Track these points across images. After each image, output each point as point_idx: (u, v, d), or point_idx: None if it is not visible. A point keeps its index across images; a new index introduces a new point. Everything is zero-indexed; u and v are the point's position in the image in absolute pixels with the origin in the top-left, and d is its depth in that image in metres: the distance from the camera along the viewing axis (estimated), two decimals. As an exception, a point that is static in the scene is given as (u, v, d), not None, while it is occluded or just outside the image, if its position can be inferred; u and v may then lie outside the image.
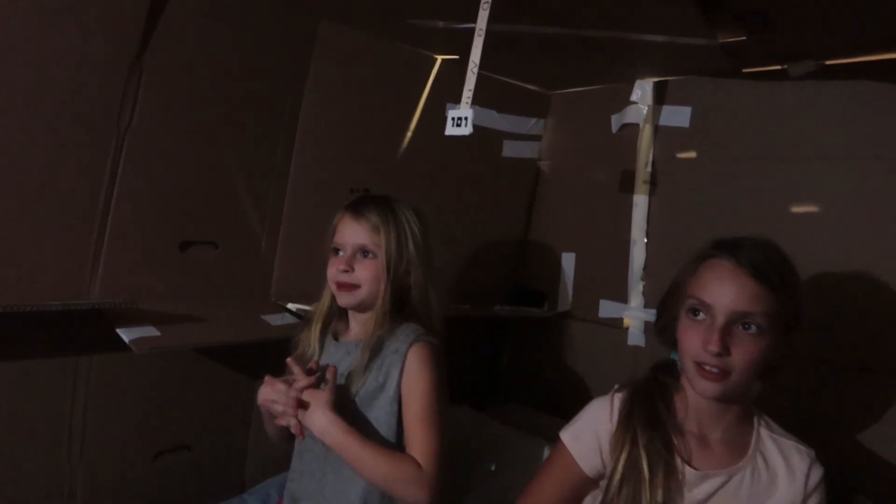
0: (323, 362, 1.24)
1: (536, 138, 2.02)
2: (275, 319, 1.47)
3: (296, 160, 1.55)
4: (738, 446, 1.00)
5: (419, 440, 1.13)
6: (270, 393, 1.14)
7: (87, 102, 1.20)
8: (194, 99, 1.35)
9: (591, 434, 1.03)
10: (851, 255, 1.36)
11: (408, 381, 1.17)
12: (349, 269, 1.21)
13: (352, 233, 1.23)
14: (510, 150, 1.96)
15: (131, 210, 1.31)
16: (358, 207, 1.25)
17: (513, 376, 2.02)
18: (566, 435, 1.06)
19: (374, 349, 1.19)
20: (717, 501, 0.97)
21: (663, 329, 1.06)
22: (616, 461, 0.98)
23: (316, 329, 1.29)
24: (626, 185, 1.78)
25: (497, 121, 1.90)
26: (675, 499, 0.96)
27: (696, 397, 0.99)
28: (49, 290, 1.22)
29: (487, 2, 0.99)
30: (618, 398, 1.04)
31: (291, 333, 1.46)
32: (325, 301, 1.30)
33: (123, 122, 1.26)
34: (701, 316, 0.95)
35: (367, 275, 1.21)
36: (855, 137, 1.40)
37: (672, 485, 0.95)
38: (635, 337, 1.73)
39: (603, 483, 1.03)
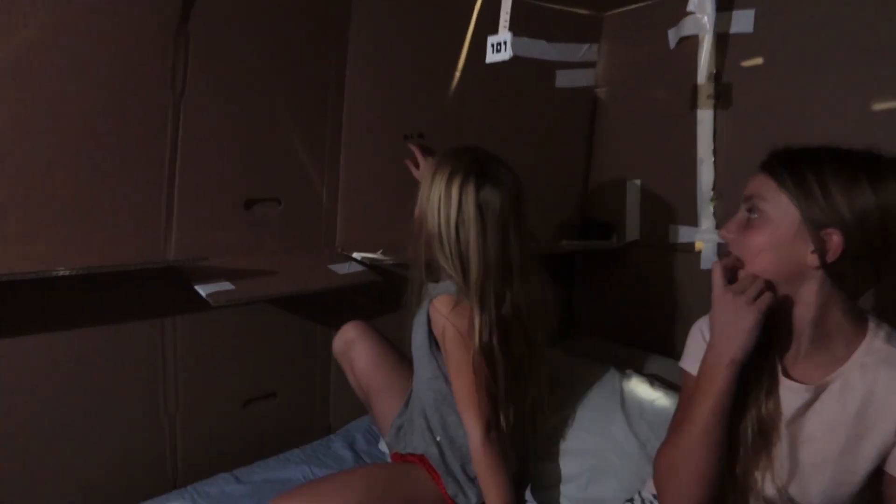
0: None
1: (591, 65, 1.94)
2: (342, 269, 1.51)
3: (347, 110, 1.56)
4: (835, 359, 0.90)
5: (458, 396, 1.16)
6: None
7: (140, 71, 1.25)
8: (242, 59, 1.38)
9: (698, 349, 0.97)
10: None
11: (438, 337, 1.20)
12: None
13: None
14: (564, 79, 1.90)
15: (196, 172, 1.36)
16: None
17: (585, 310, 2.00)
18: (685, 364, 1.03)
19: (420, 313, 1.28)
20: (809, 418, 0.91)
21: None
22: None
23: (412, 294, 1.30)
24: (689, 101, 1.69)
25: (548, 51, 1.83)
26: (774, 414, 0.92)
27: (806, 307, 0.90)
28: (129, 253, 1.30)
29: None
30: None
31: (359, 280, 1.51)
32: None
33: (178, 86, 1.30)
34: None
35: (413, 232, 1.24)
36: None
37: (772, 398, 0.92)
38: (709, 260, 1.67)
39: None
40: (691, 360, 1.00)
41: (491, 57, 0.95)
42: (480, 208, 1.14)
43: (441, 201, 1.14)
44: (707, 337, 0.93)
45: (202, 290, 1.28)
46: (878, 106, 1.36)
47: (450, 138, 1.70)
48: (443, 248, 1.15)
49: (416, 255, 1.21)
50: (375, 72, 1.58)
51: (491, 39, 0.95)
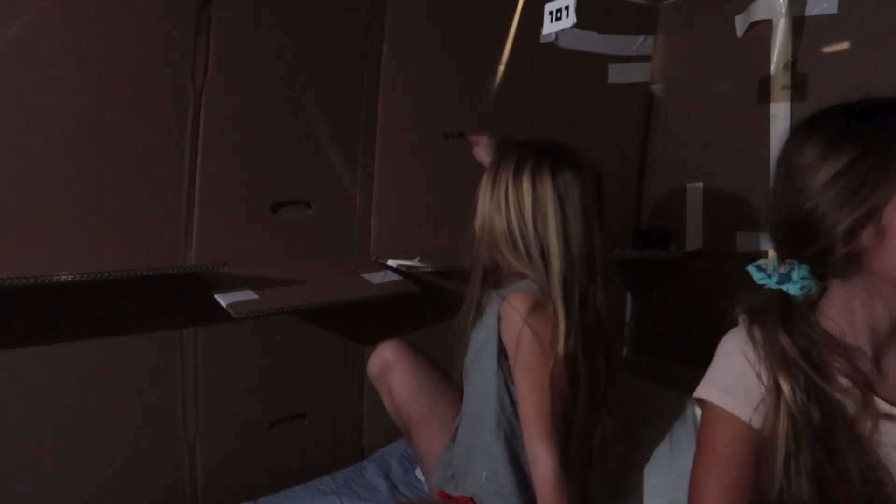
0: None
1: (646, 58, 1.79)
2: (376, 278, 1.37)
3: (382, 106, 1.44)
4: None
5: (528, 407, 0.98)
6: None
7: (157, 59, 1.14)
8: (269, 49, 1.27)
9: (743, 372, 0.76)
10: None
11: (507, 343, 1.02)
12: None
13: None
14: (617, 74, 1.75)
15: (218, 172, 1.25)
16: None
17: (640, 325, 1.82)
18: (708, 391, 0.78)
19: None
20: None
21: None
22: (778, 412, 0.73)
23: (471, 307, 1.15)
24: (761, 94, 1.52)
25: (600, 43, 1.69)
26: (882, 443, 0.73)
27: (871, 313, 0.75)
28: (144, 259, 1.18)
29: None
30: (757, 329, 0.78)
31: (395, 291, 1.37)
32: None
33: (199, 76, 1.19)
34: None
35: (474, 240, 1.12)
36: None
37: (871, 426, 0.73)
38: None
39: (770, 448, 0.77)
40: (725, 392, 0.76)
41: (549, 27, 0.82)
42: (560, 195, 1.01)
43: (509, 195, 1.01)
44: (758, 370, 0.74)
45: (223, 300, 1.16)
46: None
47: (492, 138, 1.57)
48: (517, 248, 1.01)
49: (476, 267, 1.07)
50: (413, 65, 1.46)
51: (549, 6, 0.80)
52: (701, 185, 1.70)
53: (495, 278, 1.10)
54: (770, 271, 0.80)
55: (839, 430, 0.73)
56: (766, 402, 0.75)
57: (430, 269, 1.39)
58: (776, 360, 0.74)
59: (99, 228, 1.13)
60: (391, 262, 1.41)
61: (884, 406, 0.74)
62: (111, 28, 1.08)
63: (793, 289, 0.77)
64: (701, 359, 1.61)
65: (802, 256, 0.76)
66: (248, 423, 1.40)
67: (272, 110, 1.30)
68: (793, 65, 1.46)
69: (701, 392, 0.79)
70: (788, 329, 0.75)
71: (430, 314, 1.47)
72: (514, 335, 0.99)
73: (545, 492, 0.92)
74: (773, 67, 1.49)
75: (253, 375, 1.39)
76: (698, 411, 1.21)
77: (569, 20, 0.79)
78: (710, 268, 1.68)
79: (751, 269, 0.83)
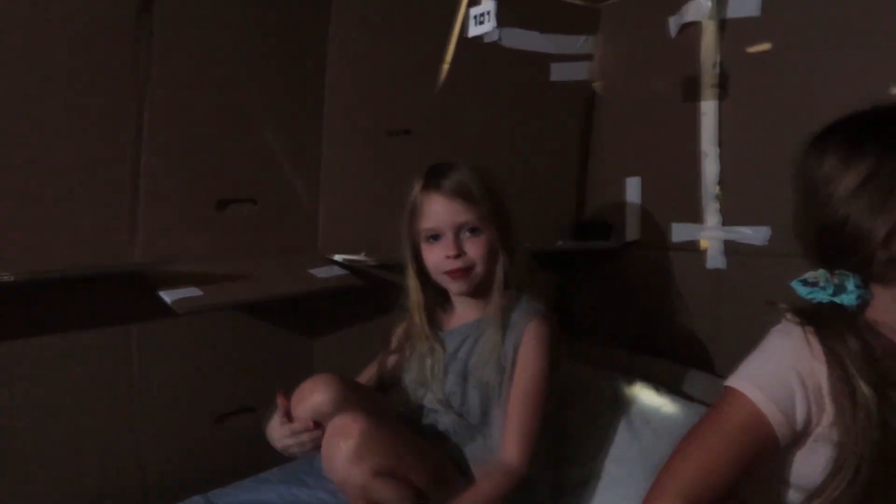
0: (438, 355, 1.18)
1: (587, 57, 1.85)
2: (322, 272, 1.41)
3: (328, 103, 1.46)
4: None
5: (518, 421, 1.08)
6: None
7: (101, 56, 1.15)
8: (212, 48, 1.28)
9: (792, 384, 0.74)
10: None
11: (524, 358, 1.11)
12: (459, 252, 1.12)
13: (448, 212, 1.12)
14: (559, 73, 1.80)
15: (163, 170, 1.26)
16: (442, 181, 1.13)
17: (582, 313, 1.89)
18: (745, 383, 0.76)
19: (504, 327, 1.13)
20: None
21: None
22: (848, 422, 0.72)
23: (423, 324, 1.19)
24: (692, 92, 1.59)
25: (542, 42, 1.74)
26: None
27: None
28: (89, 258, 1.19)
29: None
30: (811, 331, 0.76)
31: (339, 285, 1.40)
32: (416, 294, 1.20)
33: (142, 75, 1.20)
34: None
35: (479, 253, 1.13)
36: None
37: None
38: (715, 259, 1.57)
39: (801, 457, 0.78)
40: (763, 390, 0.75)
41: (473, 30, 0.86)
42: None
43: (495, 184, 1.18)
44: (808, 384, 0.73)
45: (167, 297, 1.18)
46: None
47: (437, 134, 1.61)
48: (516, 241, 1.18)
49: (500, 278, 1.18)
50: (358, 62, 1.48)
51: (473, 11, 0.85)
52: (639, 178, 1.77)
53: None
54: (823, 283, 0.77)
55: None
56: (817, 411, 0.74)
57: (374, 263, 1.43)
58: (852, 368, 0.72)
59: (42, 227, 1.14)
60: (337, 257, 1.44)
61: None
62: (52, 28, 1.09)
63: (848, 299, 0.75)
64: (639, 344, 1.69)
65: (847, 265, 0.76)
66: (196, 418, 1.41)
67: (216, 109, 1.31)
68: (720, 64, 1.54)
69: (737, 383, 0.77)
70: (858, 338, 0.74)
71: (374, 307, 1.51)
72: (534, 363, 1.10)
73: (504, 485, 1.04)
74: (702, 67, 1.56)
75: (201, 370, 1.41)
76: (629, 390, 1.29)
77: (490, 25, 0.84)
78: (647, 257, 1.75)
79: (795, 285, 0.80)
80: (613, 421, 1.23)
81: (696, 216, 1.61)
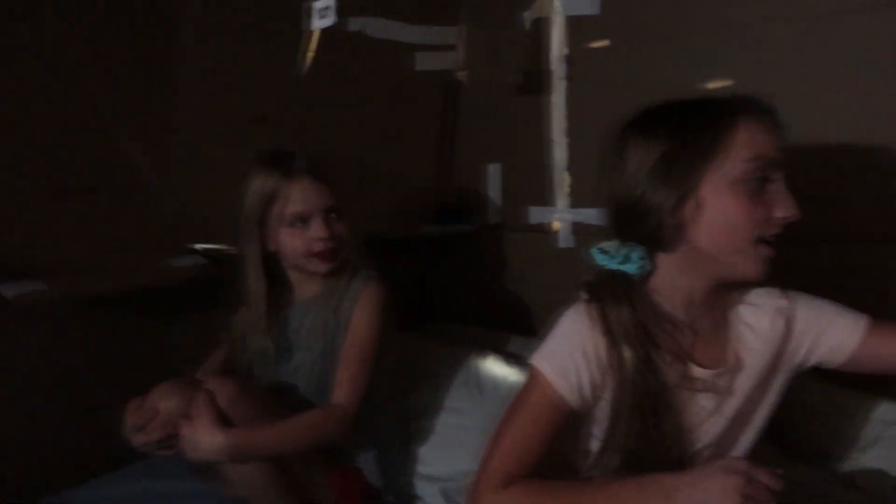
0: (282, 334, 1.24)
1: (450, 48, 1.92)
2: (180, 262, 1.39)
3: (182, 88, 1.43)
4: (726, 337, 0.91)
5: (347, 367, 1.16)
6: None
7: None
8: (52, 36, 1.22)
9: (576, 356, 0.85)
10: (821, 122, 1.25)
11: (357, 317, 1.19)
12: (332, 234, 1.19)
13: (317, 195, 1.19)
14: (423, 62, 1.86)
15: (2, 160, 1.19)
16: (308, 166, 1.20)
17: (449, 295, 1.98)
18: (542, 362, 0.87)
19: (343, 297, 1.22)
20: (736, 402, 0.89)
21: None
22: (619, 379, 0.84)
23: (262, 308, 1.24)
24: (543, 84, 1.70)
25: (405, 32, 1.79)
26: (695, 411, 0.88)
27: (689, 283, 0.87)
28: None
29: None
30: (594, 306, 0.86)
31: (197, 274, 1.39)
32: (258, 280, 1.24)
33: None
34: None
35: (345, 234, 1.21)
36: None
37: (686, 395, 0.87)
38: (565, 239, 1.69)
39: (599, 414, 0.88)
40: (555, 363, 0.86)
41: (316, 23, 0.89)
42: None
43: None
44: (591, 358, 0.85)
45: (6, 291, 1.13)
46: (714, 84, 1.42)
47: (297, 121, 1.62)
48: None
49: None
50: (213, 46, 1.46)
51: (316, 5, 0.88)
52: (499, 165, 1.87)
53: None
54: (613, 253, 0.87)
55: (664, 399, 0.85)
56: (601, 379, 0.85)
57: (235, 252, 1.42)
58: (619, 335, 0.84)
59: None
60: (197, 247, 1.42)
61: (698, 372, 0.88)
62: None
63: (632, 268, 0.85)
64: (501, 320, 1.80)
65: (637, 237, 0.85)
66: (52, 416, 1.36)
67: (57, 94, 1.26)
68: (568, 58, 1.66)
69: (535, 360, 0.88)
70: (630, 306, 0.85)
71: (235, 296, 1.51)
72: (367, 325, 1.20)
73: (325, 420, 1.13)
74: (552, 60, 1.68)
75: (55, 367, 1.35)
76: (482, 362, 1.38)
77: (330, 19, 0.87)
78: (508, 239, 1.86)
79: (593, 252, 0.89)
80: (465, 391, 1.31)
81: (550, 200, 1.73)
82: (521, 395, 0.89)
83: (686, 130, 0.83)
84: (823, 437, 1.15)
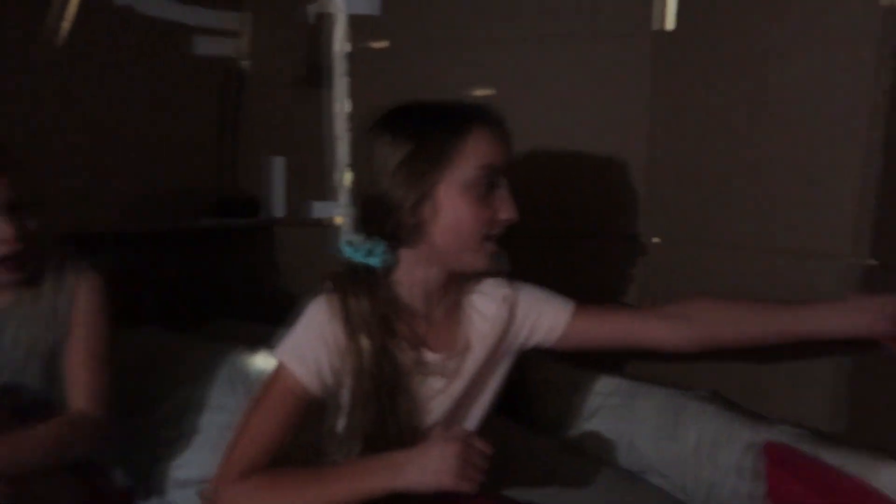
0: None
1: (233, 34, 1.85)
2: None
3: None
4: (458, 324, 0.99)
5: (91, 380, 1.08)
6: None
7: None
8: None
9: (316, 344, 0.90)
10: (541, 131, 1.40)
11: (82, 314, 1.09)
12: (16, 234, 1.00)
13: None
14: (204, 46, 1.78)
15: None
16: None
17: (229, 291, 1.91)
18: (285, 354, 0.91)
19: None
20: (462, 382, 0.96)
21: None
22: (356, 367, 0.90)
23: None
24: (325, 79, 1.71)
25: (181, 12, 1.70)
26: (427, 392, 0.94)
27: (426, 276, 0.94)
28: None
29: None
30: (335, 296, 0.92)
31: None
32: None
33: None
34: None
35: (33, 231, 1.03)
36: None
37: (419, 378, 0.93)
38: (348, 233, 1.72)
39: (342, 400, 0.93)
40: (297, 354, 0.91)
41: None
42: None
43: None
44: (330, 345, 0.89)
45: None
46: (480, 92, 1.53)
47: (55, 104, 1.47)
48: None
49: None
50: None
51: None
52: (283, 158, 1.85)
53: None
54: (359, 247, 0.92)
55: (399, 383, 0.91)
56: (340, 366, 0.90)
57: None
58: (358, 326, 0.89)
59: None
60: None
61: (430, 357, 0.94)
62: None
63: (375, 262, 0.91)
64: (284, 317, 1.78)
65: (381, 232, 0.90)
66: None
67: None
68: (349, 56, 1.68)
69: (278, 353, 0.92)
70: (370, 297, 0.90)
71: None
72: (95, 320, 1.11)
73: (70, 429, 1.04)
74: (334, 56, 1.69)
75: None
76: (249, 360, 1.36)
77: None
78: (293, 233, 1.85)
79: (343, 245, 0.94)
80: (229, 387, 1.28)
81: (333, 195, 1.75)
82: (263, 388, 0.92)
83: (426, 135, 0.90)
84: (556, 409, 1.29)
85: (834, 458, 1.00)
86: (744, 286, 1.23)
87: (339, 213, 1.74)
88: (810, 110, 1.16)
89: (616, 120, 1.40)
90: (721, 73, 1.27)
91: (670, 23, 1.32)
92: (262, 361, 1.33)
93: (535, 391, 1.32)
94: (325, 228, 1.75)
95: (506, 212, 0.91)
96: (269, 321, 1.70)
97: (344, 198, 1.72)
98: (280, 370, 0.91)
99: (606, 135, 1.40)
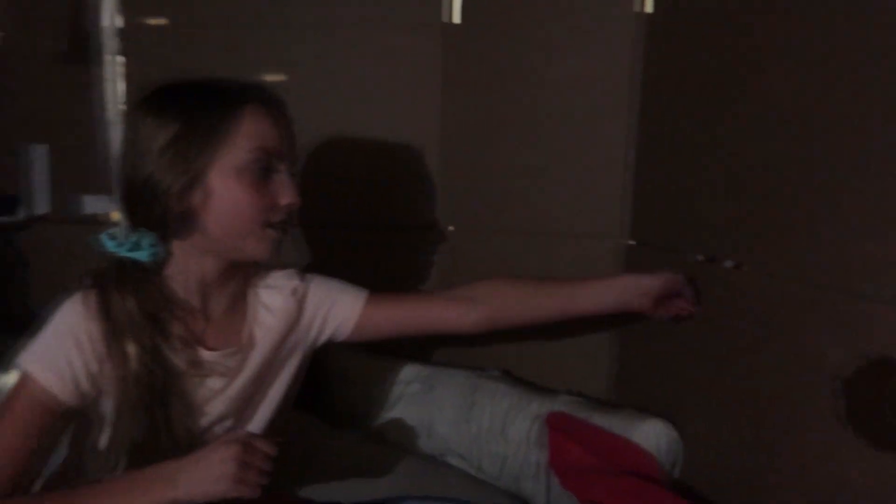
0: None
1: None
2: None
3: None
4: (242, 318, 0.93)
5: None
6: None
7: None
8: None
9: (68, 348, 0.79)
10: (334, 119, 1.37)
11: None
12: None
13: None
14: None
15: None
16: None
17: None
18: (30, 361, 0.79)
19: None
20: (244, 380, 0.91)
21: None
22: (120, 373, 0.80)
23: None
24: (93, 56, 1.52)
25: None
26: (204, 394, 0.86)
27: (202, 268, 0.86)
28: None
29: None
30: (94, 293, 0.82)
31: None
32: None
33: None
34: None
35: None
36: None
37: (196, 380, 0.86)
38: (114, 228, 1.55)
39: (103, 410, 0.83)
40: (44, 361, 0.80)
41: None
42: None
43: None
44: (86, 349, 0.79)
45: None
46: (270, 77, 1.46)
47: None
48: None
49: None
50: None
51: None
52: (45, 146, 1.62)
53: None
54: (122, 240, 0.81)
55: (172, 387, 0.82)
56: (99, 372, 0.80)
57: None
58: (122, 327, 0.80)
59: None
60: None
61: (207, 355, 0.86)
62: None
63: (142, 256, 0.81)
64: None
65: (148, 222, 0.81)
66: None
67: None
68: (121, 32, 1.51)
69: (21, 359, 0.79)
70: (136, 295, 0.81)
71: None
72: None
73: None
74: (104, 32, 1.51)
75: None
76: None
77: None
78: (60, 231, 1.63)
79: (102, 238, 0.83)
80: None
81: (108, 188, 1.57)
82: (6, 400, 0.79)
83: (195, 114, 0.82)
84: (357, 400, 1.28)
85: (602, 420, 1.11)
86: (530, 267, 1.31)
87: (116, 208, 1.56)
88: (580, 106, 1.28)
89: (410, 110, 1.41)
90: (503, 68, 1.34)
91: (457, 16, 1.36)
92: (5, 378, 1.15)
93: (334, 383, 1.29)
94: (101, 226, 1.56)
95: (286, 196, 0.85)
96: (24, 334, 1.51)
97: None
98: (24, 379, 0.79)
99: (401, 125, 1.41)
